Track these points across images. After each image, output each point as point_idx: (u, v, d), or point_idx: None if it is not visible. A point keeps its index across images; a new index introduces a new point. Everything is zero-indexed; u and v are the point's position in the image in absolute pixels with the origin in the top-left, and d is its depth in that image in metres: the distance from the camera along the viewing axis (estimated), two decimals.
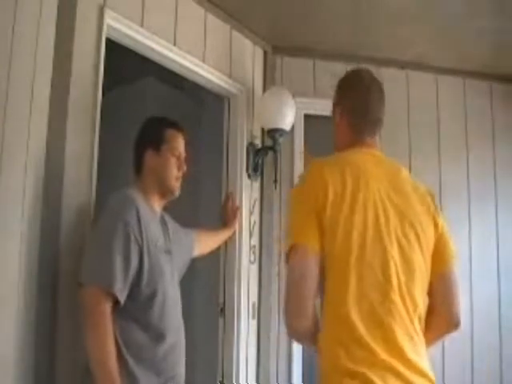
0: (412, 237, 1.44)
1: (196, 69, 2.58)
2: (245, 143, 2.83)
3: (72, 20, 1.95)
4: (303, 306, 1.35)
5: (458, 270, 1.56)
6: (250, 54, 2.95)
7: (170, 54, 2.42)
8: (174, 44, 2.43)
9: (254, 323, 2.79)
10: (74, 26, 1.95)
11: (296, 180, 2.92)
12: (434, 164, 3.12)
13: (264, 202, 2.93)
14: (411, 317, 1.38)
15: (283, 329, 2.78)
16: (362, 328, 1.31)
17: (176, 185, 2.02)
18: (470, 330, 2.89)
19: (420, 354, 1.37)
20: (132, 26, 2.21)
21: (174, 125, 2.07)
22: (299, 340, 1.60)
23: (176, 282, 2.00)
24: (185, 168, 2.05)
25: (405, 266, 1.41)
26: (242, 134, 2.82)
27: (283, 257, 1.44)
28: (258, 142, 2.90)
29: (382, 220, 1.41)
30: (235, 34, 2.83)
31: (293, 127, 2.83)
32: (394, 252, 1.40)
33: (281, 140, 2.76)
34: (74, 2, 1.96)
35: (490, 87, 3.28)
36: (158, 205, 2.01)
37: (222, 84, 2.74)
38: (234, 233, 2.71)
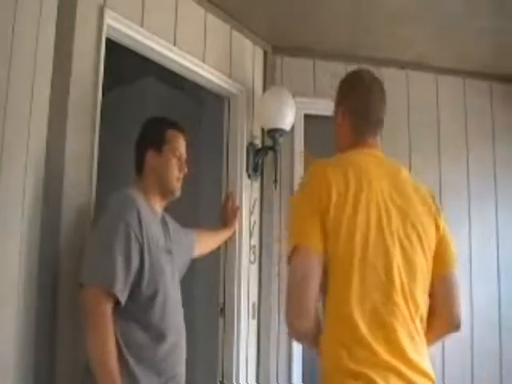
0: (414, 237, 1.45)
1: (196, 69, 2.58)
2: (245, 143, 2.83)
3: (72, 20, 1.94)
4: (305, 306, 1.35)
5: (459, 270, 1.56)
6: (250, 54, 2.95)
7: (170, 54, 2.42)
8: (174, 44, 2.43)
9: (254, 323, 2.79)
10: (74, 26, 1.95)
11: (296, 180, 2.92)
12: (434, 164, 3.12)
13: (264, 201, 2.93)
14: (413, 317, 1.39)
15: (283, 329, 2.79)
16: (364, 328, 1.32)
17: (177, 185, 2.02)
18: (470, 329, 2.89)
19: (421, 353, 1.38)
20: (132, 26, 2.21)
21: (176, 125, 2.06)
22: (300, 340, 1.61)
23: (177, 282, 2.00)
24: (186, 169, 2.05)
25: (407, 266, 1.41)
26: (242, 134, 2.82)
27: (286, 257, 1.44)
28: (258, 142, 2.90)
29: (385, 221, 1.41)
30: (235, 34, 2.83)
31: (293, 127, 2.83)
32: (396, 253, 1.40)
33: (281, 140, 2.76)
34: (74, 2, 1.95)
35: (490, 87, 3.28)
36: (158, 205, 2.01)
37: (222, 84, 2.74)
38: (234, 233, 2.71)
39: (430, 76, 3.20)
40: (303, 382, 2.79)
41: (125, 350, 1.71)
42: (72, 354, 1.80)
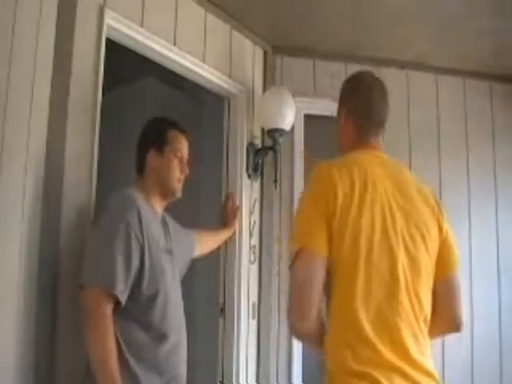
0: (418, 237, 1.46)
1: (196, 69, 2.58)
2: (245, 143, 2.83)
3: (72, 20, 1.94)
4: (307, 308, 1.35)
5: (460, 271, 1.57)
6: (250, 54, 2.95)
7: (170, 54, 2.42)
8: (174, 44, 2.43)
9: (254, 323, 2.79)
10: (74, 26, 1.95)
11: (296, 180, 2.93)
12: (434, 163, 3.12)
13: (264, 202, 2.93)
14: (417, 316, 1.40)
15: (283, 329, 2.79)
16: (368, 328, 1.32)
17: (177, 186, 2.02)
18: (470, 328, 2.88)
19: (425, 353, 1.39)
20: (132, 26, 2.21)
21: (178, 126, 2.06)
22: (303, 341, 1.61)
23: (177, 282, 2.00)
24: (187, 171, 2.05)
25: (411, 265, 1.42)
26: (242, 134, 2.82)
27: (289, 259, 1.44)
28: (258, 142, 2.90)
29: (389, 221, 1.42)
30: (235, 34, 2.83)
31: (293, 127, 2.83)
32: (400, 253, 1.41)
33: (281, 140, 2.76)
34: (74, 2, 1.95)
35: (490, 87, 3.28)
36: (159, 206, 2.01)
37: (222, 84, 2.74)
38: (234, 233, 2.71)
39: (430, 76, 3.20)
40: (303, 382, 2.79)
41: (125, 350, 1.71)
42: (72, 354, 1.80)
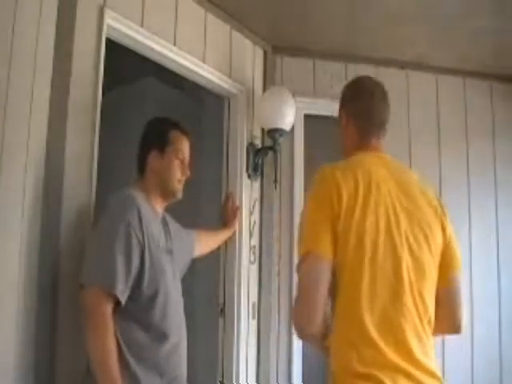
0: (421, 238, 1.46)
1: (196, 69, 2.58)
2: (245, 143, 2.83)
3: (72, 20, 1.94)
4: (313, 312, 1.36)
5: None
6: (250, 54, 2.95)
7: (170, 54, 2.42)
8: (174, 44, 2.43)
9: (254, 323, 2.78)
10: (74, 26, 1.95)
11: (296, 180, 2.93)
12: (434, 162, 3.12)
13: (264, 201, 2.93)
14: (421, 318, 1.41)
15: (283, 329, 2.79)
16: (373, 329, 1.33)
17: (178, 187, 2.02)
18: (470, 327, 2.88)
19: (428, 355, 1.39)
20: (132, 26, 2.21)
21: (180, 127, 2.06)
22: (307, 342, 1.61)
23: (178, 282, 2.00)
24: (188, 173, 2.05)
25: (415, 265, 1.43)
26: (241, 134, 2.82)
27: (296, 263, 1.44)
28: (258, 142, 2.90)
29: (393, 222, 1.43)
30: (235, 34, 2.83)
31: (293, 127, 2.83)
32: (404, 254, 1.42)
33: (281, 140, 2.76)
34: (74, 2, 1.95)
35: (490, 87, 3.28)
36: (159, 206, 2.01)
37: (222, 84, 2.74)
38: (234, 233, 2.71)
39: (430, 76, 3.20)
40: (303, 382, 2.79)
41: (125, 350, 1.71)
42: (72, 354, 1.80)
